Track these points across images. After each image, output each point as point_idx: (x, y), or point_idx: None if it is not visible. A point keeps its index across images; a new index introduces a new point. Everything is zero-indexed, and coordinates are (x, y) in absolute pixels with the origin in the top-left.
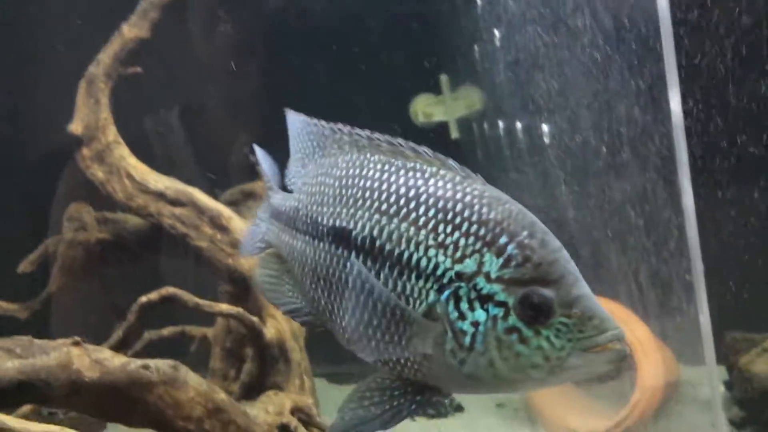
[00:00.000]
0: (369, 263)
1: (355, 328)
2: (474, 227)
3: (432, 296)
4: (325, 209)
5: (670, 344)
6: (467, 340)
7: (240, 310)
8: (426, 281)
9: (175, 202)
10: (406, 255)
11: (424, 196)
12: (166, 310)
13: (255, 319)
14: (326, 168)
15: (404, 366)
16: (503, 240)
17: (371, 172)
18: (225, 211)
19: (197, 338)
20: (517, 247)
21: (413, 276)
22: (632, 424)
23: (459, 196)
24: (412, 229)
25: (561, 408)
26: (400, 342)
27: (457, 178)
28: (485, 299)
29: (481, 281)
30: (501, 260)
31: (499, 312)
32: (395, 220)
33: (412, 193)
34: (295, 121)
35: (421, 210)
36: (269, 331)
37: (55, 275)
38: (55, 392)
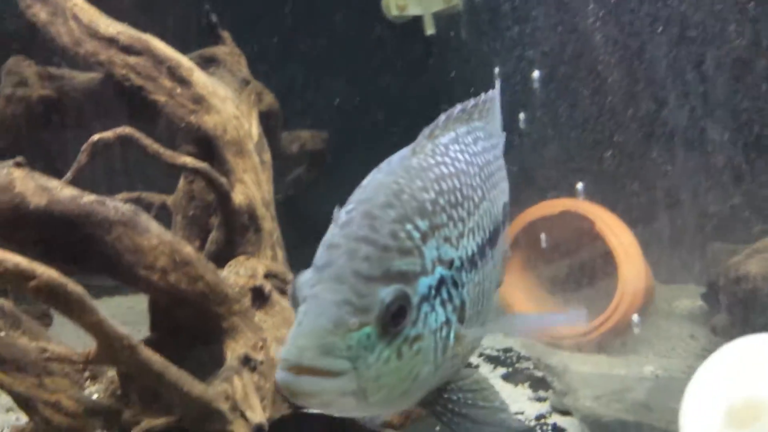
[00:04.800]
0: None
1: None
2: None
3: None
4: None
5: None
6: None
7: (206, 165)
8: None
9: (129, 50)
10: None
11: None
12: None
13: (223, 179)
14: None
15: None
16: None
17: None
18: (185, 61)
19: (155, 205)
20: None
21: None
22: (612, 326)
23: None
24: None
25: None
26: None
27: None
28: None
29: None
30: None
31: None
32: None
33: None
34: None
35: None
36: (237, 197)
37: None
38: None
